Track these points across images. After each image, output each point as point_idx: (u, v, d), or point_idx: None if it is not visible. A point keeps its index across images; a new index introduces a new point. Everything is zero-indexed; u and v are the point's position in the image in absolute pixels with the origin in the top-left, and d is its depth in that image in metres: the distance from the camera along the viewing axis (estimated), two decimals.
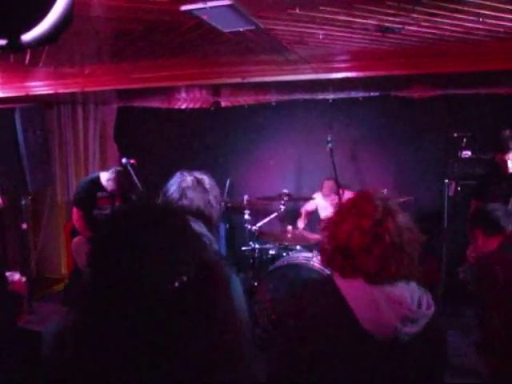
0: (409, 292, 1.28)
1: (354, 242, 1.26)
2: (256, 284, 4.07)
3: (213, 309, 0.79)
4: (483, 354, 1.76)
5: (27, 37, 1.13)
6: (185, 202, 1.81)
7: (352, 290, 1.29)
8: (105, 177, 4.45)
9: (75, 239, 4.51)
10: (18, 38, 1.12)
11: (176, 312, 0.74)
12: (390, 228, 1.25)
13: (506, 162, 3.53)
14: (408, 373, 1.27)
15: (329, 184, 4.66)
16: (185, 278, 0.76)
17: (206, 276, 0.80)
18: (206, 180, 1.91)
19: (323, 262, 1.39)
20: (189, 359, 0.75)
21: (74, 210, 4.53)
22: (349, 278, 1.29)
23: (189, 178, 1.88)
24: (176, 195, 1.84)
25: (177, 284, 0.75)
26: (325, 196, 4.75)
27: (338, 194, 4.16)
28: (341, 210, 1.35)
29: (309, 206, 5.03)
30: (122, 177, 4.40)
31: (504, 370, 1.69)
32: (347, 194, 4.73)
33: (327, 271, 3.74)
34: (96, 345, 0.75)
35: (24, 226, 4.06)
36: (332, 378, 1.28)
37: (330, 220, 1.36)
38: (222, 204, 1.94)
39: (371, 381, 1.27)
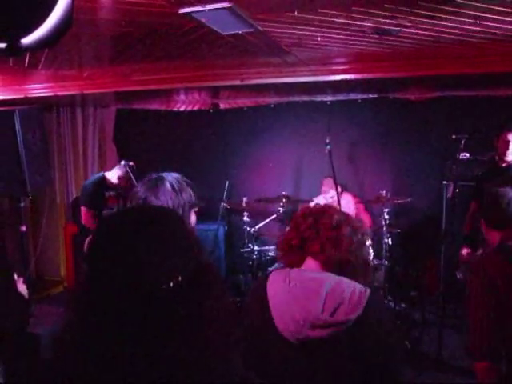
0: (331, 294, 1.32)
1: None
2: None
3: (207, 309, 0.79)
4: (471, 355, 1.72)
5: (27, 40, 1.14)
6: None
7: (274, 289, 1.41)
8: (114, 175, 4.44)
9: (89, 239, 4.47)
10: (18, 41, 1.13)
11: (170, 312, 0.75)
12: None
13: (507, 143, 3.40)
14: (322, 373, 1.31)
15: (328, 181, 4.67)
16: (179, 278, 0.76)
17: (200, 276, 0.80)
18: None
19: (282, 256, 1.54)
20: (182, 359, 0.76)
21: (83, 209, 4.49)
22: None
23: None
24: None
25: (171, 284, 0.75)
26: (324, 193, 4.75)
27: (336, 190, 4.16)
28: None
29: None
30: (131, 169, 4.40)
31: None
32: (346, 196, 4.75)
33: None
34: (91, 344, 0.76)
35: (23, 227, 4.06)
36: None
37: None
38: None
39: (284, 380, 1.34)
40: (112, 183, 4.44)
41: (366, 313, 1.30)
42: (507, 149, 3.39)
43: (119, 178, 4.41)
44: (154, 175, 1.93)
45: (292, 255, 1.47)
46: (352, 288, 1.34)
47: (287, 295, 1.36)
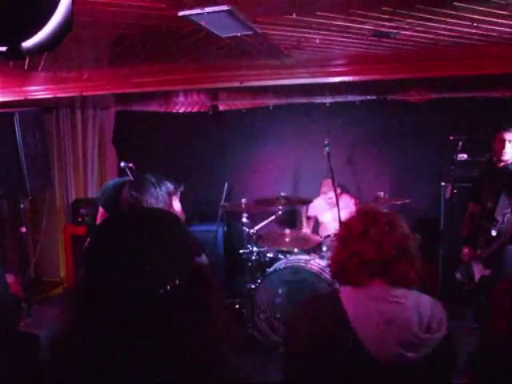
0: (420, 310, 1.21)
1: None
2: (254, 287, 4.08)
3: (204, 311, 0.80)
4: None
5: (28, 44, 1.15)
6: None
7: (356, 308, 1.25)
8: None
9: (87, 241, 4.45)
10: (19, 44, 1.15)
11: (167, 315, 0.76)
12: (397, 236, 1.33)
13: (503, 143, 3.40)
14: None
15: (328, 182, 4.68)
16: (177, 282, 0.77)
17: (197, 279, 0.81)
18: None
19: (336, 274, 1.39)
20: (181, 359, 0.76)
21: (101, 210, 4.44)
22: (362, 285, 1.26)
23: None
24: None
25: (168, 288, 0.76)
26: (324, 194, 4.76)
27: (335, 191, 4.17)
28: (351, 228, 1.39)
29: (309, 212, 5.05)
30: (131, 171, 4.38)
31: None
32: (345, 197, 4.76)
33: (325, 274, 3.76)
34: (89, 346, 0.76)
35: (23, 229, 4.07)
36: None
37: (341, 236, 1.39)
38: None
39: None
40: None
41: (450, 326, 1.23)
42: (503, 148, 3.40)
43: None
44: (137, 176, 2.28)
45: (355, 277, 1.31)
46: (428, 300, 1.25)
47: (378, 315, 1.21)
